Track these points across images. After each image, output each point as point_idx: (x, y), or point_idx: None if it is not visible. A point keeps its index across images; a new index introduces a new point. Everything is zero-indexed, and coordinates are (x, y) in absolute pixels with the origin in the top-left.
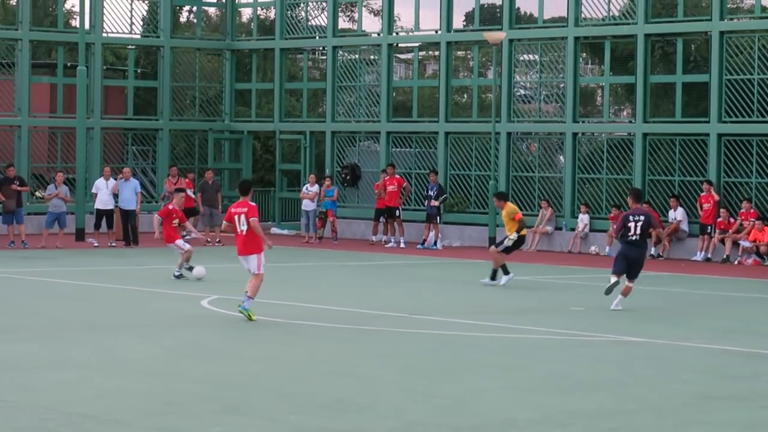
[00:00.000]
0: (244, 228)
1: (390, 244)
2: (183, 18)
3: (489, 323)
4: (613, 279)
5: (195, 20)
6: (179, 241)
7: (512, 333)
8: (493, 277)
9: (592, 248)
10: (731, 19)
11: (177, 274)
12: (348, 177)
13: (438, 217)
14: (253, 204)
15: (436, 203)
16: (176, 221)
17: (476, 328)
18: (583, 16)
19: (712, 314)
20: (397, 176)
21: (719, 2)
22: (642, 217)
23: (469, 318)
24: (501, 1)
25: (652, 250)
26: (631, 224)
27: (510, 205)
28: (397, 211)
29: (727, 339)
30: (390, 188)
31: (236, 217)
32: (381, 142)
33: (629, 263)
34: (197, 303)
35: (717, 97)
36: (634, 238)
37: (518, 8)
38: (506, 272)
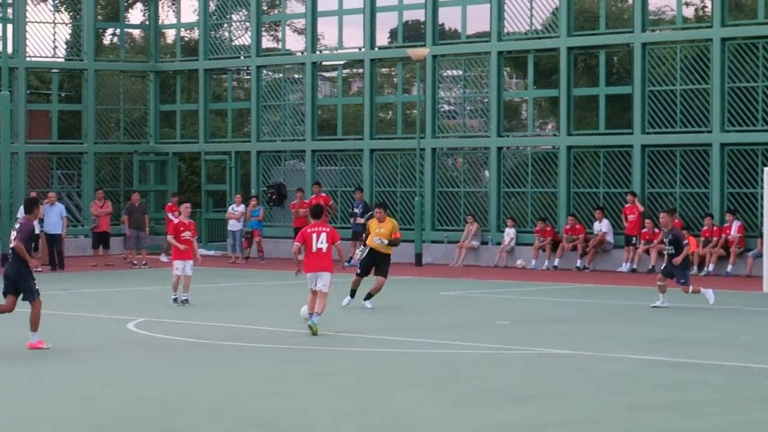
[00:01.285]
0: (324, 246)
1: None
2: (106, 40)
3: (417, 339)
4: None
5: (118, 42)
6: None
7: (441, 349)
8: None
9: (519, 262)
10: (653, 30)
11: (177, 297)
12: (274, 196)
13: (364, 235)
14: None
15: (362, 220)
16: (187, 234)
17: (405, 345)
18: (506, 30)
19: (638, 325)
20: (323, 194)
21: (641, 14)
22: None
23: (397, 335)
24: (424, 17)
25: (578, 262)
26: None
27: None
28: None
29: (653, 349)
30: None
31: (314, 235)
32: (306, 160)
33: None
34: (124, 326)
35: (640, 108)
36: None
37: (442, 24)
38: (353, 295)
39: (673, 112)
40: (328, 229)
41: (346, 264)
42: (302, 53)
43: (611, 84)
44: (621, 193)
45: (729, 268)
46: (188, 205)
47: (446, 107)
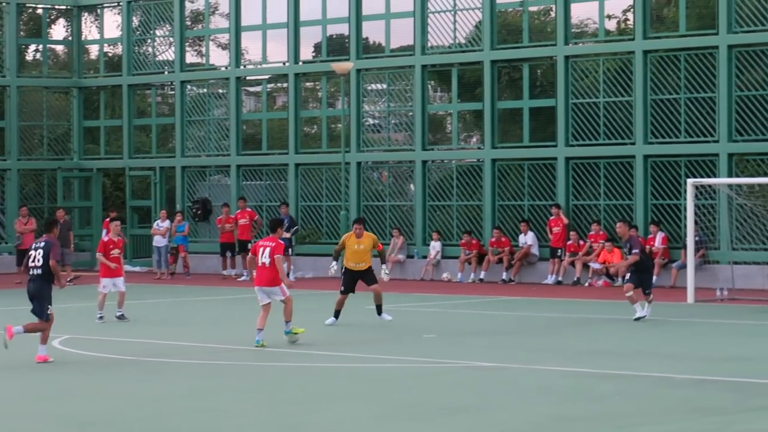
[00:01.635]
0: (267, 261)
1: (243, 278)
2: (29, 56)
3: (345, 353)
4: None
5: (41, 58)
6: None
7: (368, 362)
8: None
9: (445, 275)
10: (576, 43)
11: (103, 315)
12: (199, 212)
13: (290, 249)
14: (281, 242)
15: (288, 235)
16: (116, 251)
17: (333, 359)
18: (429, 44)
19: (564, 337)
20: (249, 209)
21: (564, 27)
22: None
23: (324, 349)
24: (348, 31)
25: (504, 275)
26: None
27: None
28: (249, 245)
29: (580, 361)
30: (242, 221)
31: (260, 249)
32: (231, 175)
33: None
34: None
35: (564, 121)
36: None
37: (366, 38)
38: (337, 316)
39: (597, 124)
40: (273, 244)
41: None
42: (226, 68)
43: (535, 97)
44: (546, 205)
45: (653, 279)
46: (118, 222)
47: (371, 121)
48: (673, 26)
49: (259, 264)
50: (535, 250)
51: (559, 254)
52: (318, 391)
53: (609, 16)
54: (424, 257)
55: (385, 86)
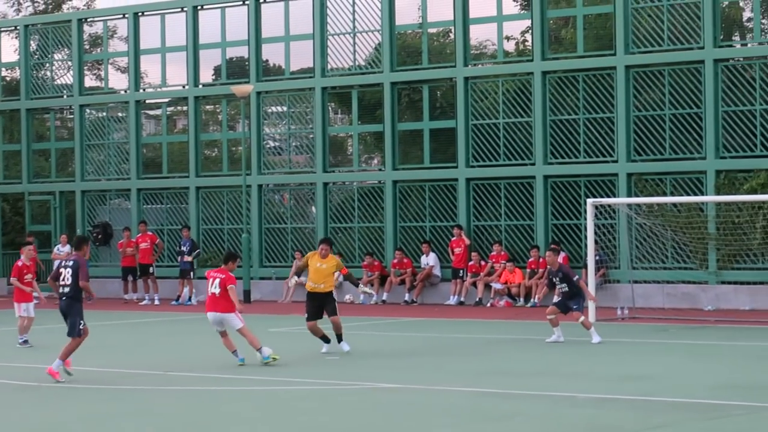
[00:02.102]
0: (216, 291)
1: (144, 302)
2: None
3: (248, 377)
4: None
5: None
6: (25, 305)
7: (271, 385)
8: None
9: (347, 297)
10: (475, 64)
11: (27, 339)
12: (100, 236)
13: (192, 273)
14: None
15: (190, 258)
16: (29, 276)
17: (236, 382)
18: (329, 66)
19: (467, 357)
20: (150, 233)
21: (463, 48)
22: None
23: (227, 372)
24: (248, 54)
25: (406, 296)
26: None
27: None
28: (151, 268)
29: (482, 381)
30: (143, 245)
31: (209, 280)
32: (132, 199)
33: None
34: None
35: (464, 142)
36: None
37: (266, 61)
38: (327, 340)
39: (497, 145)
40: (223, 276)
41: (173, 302)
42: (125, 91)
43: (435, 118)
44: (447, 226)
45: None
46: (32, 247)
47: (271, 143)
48: (571, 47)
49: (209, 293)
50: (437, 271)
51: (461, 275)
52: (219, 416)
53: (508, 38)
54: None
55: (285, 108)
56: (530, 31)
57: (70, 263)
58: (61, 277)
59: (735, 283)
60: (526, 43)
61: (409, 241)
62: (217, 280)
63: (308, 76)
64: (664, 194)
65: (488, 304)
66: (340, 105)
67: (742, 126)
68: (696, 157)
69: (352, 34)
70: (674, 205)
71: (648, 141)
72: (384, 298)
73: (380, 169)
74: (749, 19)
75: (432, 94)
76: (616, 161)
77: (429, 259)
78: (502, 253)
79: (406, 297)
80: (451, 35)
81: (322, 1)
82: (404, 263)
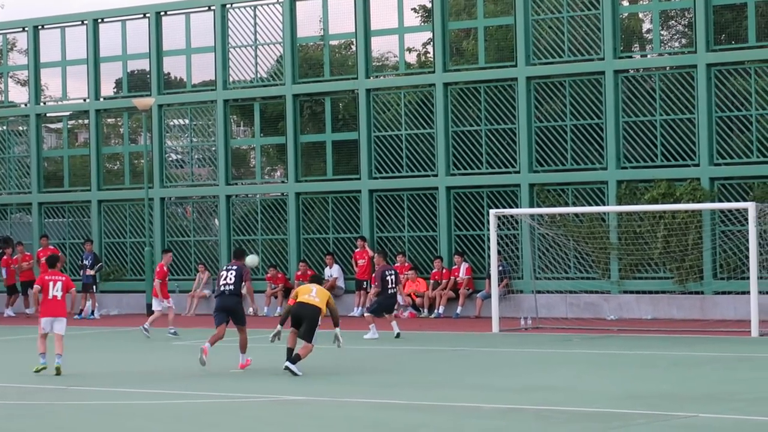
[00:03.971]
0: (59, 294)
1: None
2: None
3: (152, 390)
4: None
5: None
6: None
7: (176, 399)
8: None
9: (250, 309)
10: (377, 76)
11: None
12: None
13: (94, 286)
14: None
15: (92, 272)
16: None
17: (141, 396)
18: (231, 79)
19: (371, 369)
20: (51, 246)
21: (365, 61)
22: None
23: (132, 386)
24: (149, 66)
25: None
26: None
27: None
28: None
29: (386, 393)
30: (44, 259)
31: (51, 283)
32: (33, 213)
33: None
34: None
35: (367, 153)
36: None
37: (168, 73)
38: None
39: (399, 156)
40: (63, 278)
41: (76, 316)
42: (26, 105)
43: (337, 130)
44: (351, 238)
45: (458, 309)
46: None
47: (174, 156)
48: (472, 59)
49: (50, 297)
50: (341, 283)
51: (365, 286)
52: (124, 430)
53: (409, 49)
54: None
55: (187, 121)
56: (432, 42)
57: (234, 269)
58: (224, 278)
59: (637, 292)
60: (428, 55)
61: (312, 253)
62: (59, 283)
63: (210, 88)
64: (566, 204)
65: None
66: (243, 117)
67: (643, 136)
68: (597, 168)
69: (253, 47)
70: (576, 215)
71: (550, 152)
72: None
73: (283, 182)
74: (648, 31)
75: (334, 106)
76: (519, 172)
77: (333, 271)
78: (406, 264)
79: (265, 311)
80: (353, 47)
81: (224, 13)
82: (308, 275)
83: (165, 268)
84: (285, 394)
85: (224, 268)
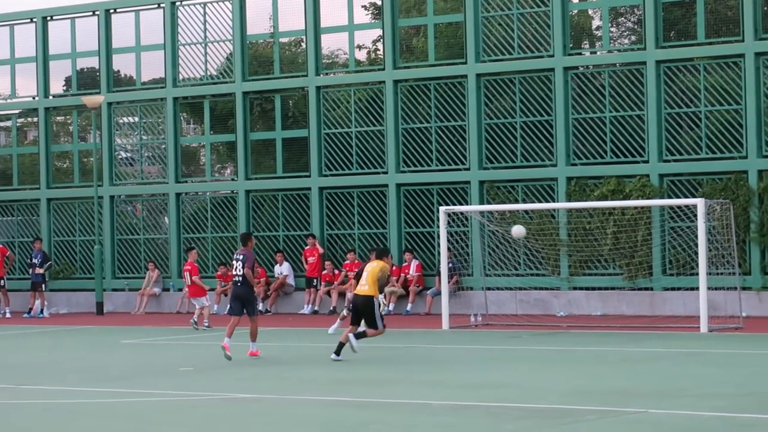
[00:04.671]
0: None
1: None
2: None
3: (100, 389)
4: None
5: None
6: None
7: (124, 397)
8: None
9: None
10: (327, 74)
11: None
12: None
13: (44, 285)
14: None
15: (41, 270)
16: None
17: (87, 395)
18: (181, 76)
19: (321, 366)
20: (0, 245)
21: (314, 58)
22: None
23: (79, 385)
24: (98, 64)
25: (260, 306)
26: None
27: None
28: (2, 281)
29: (337, 390)
30: None
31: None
32: None
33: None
34: None
35: (317, 151)
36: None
37: (117, 71)
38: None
39: (350, 154)
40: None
41: (25, 315)
42: None
43: (287, 128)
44: (301, 235)
45: (409, 306)
46: None
47: (123, 154)
48: (422, 56)
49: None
50: (290, 281)
51: (314, 284)
52: (71, 430)
53: (359, 47)
54: (180, 290)
55: (137, 119)
56: (381, 40)
57: (240, 257)
58: (234, 269)
59: (586, 288)
60: (378, 52)
61: (262, 251)
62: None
63: (160, 86)
64: (516, 201)
65: (344, 313)
66: (192, 115)
67: (592, 133)
68: (547, 164)
69: (203, 44)
70: (526, 212)
71: (499, 149)
72: None
73: (233, 179)
74: (598, 28)
75: (284, 104)
76: (468, 169)
77: (283, 269)
78: (356, 261)
79: (260, 306)
80: (303, 45)
81: (173, 11)
82: (258, 272)
83: (195, 264)
84: (235, 392)
85: (234, 257)
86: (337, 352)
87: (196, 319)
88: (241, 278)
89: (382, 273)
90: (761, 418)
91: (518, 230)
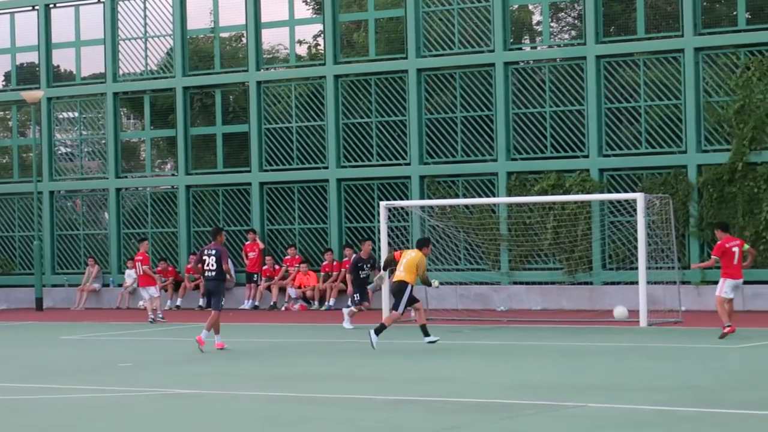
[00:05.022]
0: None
1: None
2: None
3: (40, 385)
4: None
5: None
6: None
7: (65, 393)
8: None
9: (141, 303)
10: (268, 68)
11: None
12: None
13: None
14: None
15: None
16: None
17: (26, 391)
18: (121, 71)
19: (262, 362)
20: None
21: (255, 53)
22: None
23: (19, 381)
24: (38, 59)
25: (201, 302)
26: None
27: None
28: None
29: (278, 386)
30: None
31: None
32: None
33: None
34: None
35: (257, 146)
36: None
37: (57, 66)
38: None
39: (290, 149)
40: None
41: None
42: None
43: (228, 123)
44: (241, 230)
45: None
46: None
47: (63, 149)
48: (363, 51)
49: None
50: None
51: (255, 279)
52: (15, 428)
53: (300, 42)
54: (120, 285)
55: (77, 114)
56: (322, 35)
57: (213, 252)
58: (206, 264)
59: (527, 283)
60: (319, 47)
61: (202, 246)
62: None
63: (100, 81)
64: (457, 196)
65: (283, 308)
66: (133, 110)
67: (533, 128)
68: (487, 159)
69: (143, 39)
70: (467, 206)
71: (440, 143)
72: (178, 303)
73: (173, 174)
74: (538, 23)
75: (225, 99)
76: (409, 164)
77: None
78: (297, 256)
79: (201, 302)
80: (244, 39)
81: (113, 5)
82: (198, 268)
83: (147, 255)
84: (176, 388)
85: (204, 252)
86: (426, 333)
87: (152, 315)
88: (213, 273)
89: (419, 265)
90: (700, 411)
91: (620, 312)
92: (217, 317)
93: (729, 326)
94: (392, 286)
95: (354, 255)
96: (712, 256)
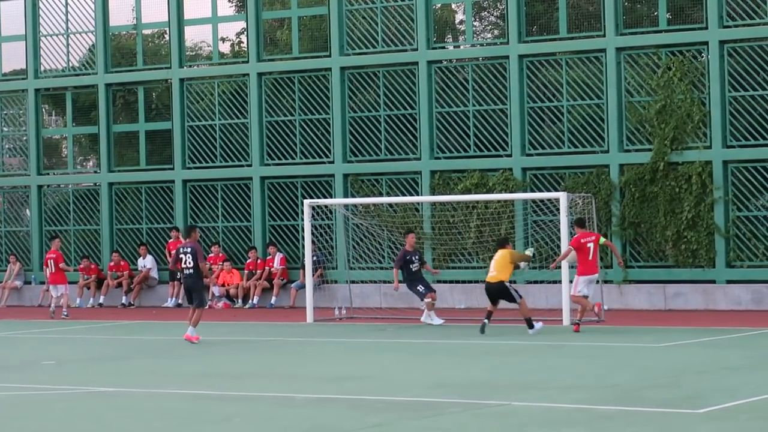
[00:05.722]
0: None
1: None
2: None
3: None
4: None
5: None
6: None
7: None
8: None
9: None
10: (191, 66)
11: None
12: None
13: None
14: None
15: None
16: None
17: None
18: (42, 68)
19: (184, 359)
20: None
21: (178, 50)
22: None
23: None
24: None
25: (123, 299)
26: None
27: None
28: None
29: (200, 383)
30: None
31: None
32: None
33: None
34: None
35: (180, 143)
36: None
37: None
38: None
39: (213, 146)
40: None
41: None
42: None
43: (151, 120)
44: (164, 228)
45: (273, 300)
46: None
47: None
48: (286, 49)
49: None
50: (154, 273)
51: (178, 277)
52: None
53: (223, 39)
54: (42, 283)
55: None
56: (245, 32)
57: (188, 249)
58: (183, 261)
59: (450, 281)
60: (242, 45)
61: (125, 244)
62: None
63: (21, 77)
64: (380, 195)
65: (207, 306)
66: (54, 107)
67: (456, 127)
68: (411, 158)
69: (65, 35)
70: (390, 205)
71: (364, 142)
72: (101, 301)
73: (96, 171)
74: (461, 22)
75: (147, 96)
76: (333, 162)
77: (146, 262)
78: (220, 254)
79: (123, 300)
80: (167, 36)
81: (34, 1)
82: (121, 266)
83: (60, 252)
84: (99, 385)
85: (180, 250)
86: (530, 326)
87: (53, 309)
88: (191, 270)
89: (511, 255)
90: (621, 410)
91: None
92: (201, 313)
93: (576, 323)
94: (491, 288)
95: (401, 250)
96: (569, 246)
